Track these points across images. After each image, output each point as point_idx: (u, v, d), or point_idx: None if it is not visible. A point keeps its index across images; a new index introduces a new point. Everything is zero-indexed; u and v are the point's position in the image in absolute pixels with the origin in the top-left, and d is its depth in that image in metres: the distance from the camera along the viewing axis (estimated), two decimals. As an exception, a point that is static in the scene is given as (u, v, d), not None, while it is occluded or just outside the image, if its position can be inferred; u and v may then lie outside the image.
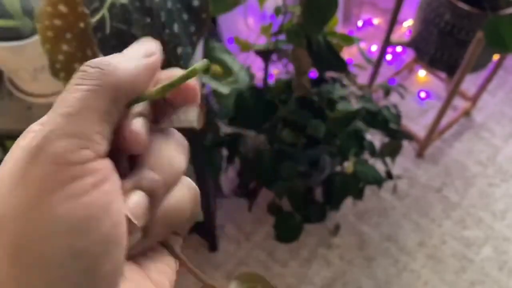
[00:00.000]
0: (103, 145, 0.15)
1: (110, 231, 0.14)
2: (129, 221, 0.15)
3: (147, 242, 0.17)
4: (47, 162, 0.14)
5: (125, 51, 0.17)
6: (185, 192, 0.18)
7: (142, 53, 0.17)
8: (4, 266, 0.14)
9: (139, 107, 0.17)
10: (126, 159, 0.17)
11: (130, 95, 0.16)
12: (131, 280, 0.16)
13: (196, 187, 0.19)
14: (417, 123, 1.30)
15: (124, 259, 0.16)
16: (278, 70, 0.86)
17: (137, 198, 0.16)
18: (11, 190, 0.14)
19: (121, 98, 0.16)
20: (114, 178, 0.15)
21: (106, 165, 0.15)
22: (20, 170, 0.14)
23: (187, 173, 0.20)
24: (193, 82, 0.18)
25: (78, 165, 0.14)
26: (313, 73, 0.88)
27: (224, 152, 0.95)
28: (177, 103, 0.19)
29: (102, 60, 0.16)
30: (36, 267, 0.14)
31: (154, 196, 0.17)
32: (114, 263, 0.15)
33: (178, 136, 0.19)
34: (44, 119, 0.15)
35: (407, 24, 1.40)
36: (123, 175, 0.16)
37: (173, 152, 0.18)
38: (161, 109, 0.18)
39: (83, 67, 0.16)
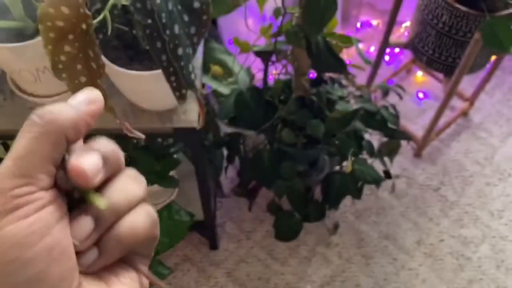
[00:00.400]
0: (45, 180, 0.18)
1: (54, 244, 0.18)
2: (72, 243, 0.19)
3: (103, 260, 0.20)
4: None
5: (70, 99, 0.20)
6: (141, 216, 0.21)
7: (84, 101, 0.20)
8: None
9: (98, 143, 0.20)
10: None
11: (72, 137, 0.19)
12: None
13: (156, 214, 0.22)
14: (415, 123, 1.31)
15: (76, 267, 0.19)
16: (277, 71, 0.86)
17: (81, 222, 0.19)
18: None
19: (61, 141, 0.19)
20: (58, 203, 0.19)
21: (49, 195, 0.18)
22: None
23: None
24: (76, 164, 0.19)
25: (22, 197, 0.18)
26: (312, 74, 0.88)
27: (224, 152, 0.96)
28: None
29: (45, 110, 0.19)
30: None
31: (100, 219, 0.20)
32: (61, 272, 0.18)
33: (131, 171, 0.22)
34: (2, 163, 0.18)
35: (405, 25, 1.41)
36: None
37: (123, 182, 0.21)
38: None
39: (31, 116, 0.19)
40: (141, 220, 0.21)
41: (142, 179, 0.22)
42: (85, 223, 0.19)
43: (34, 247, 0.17)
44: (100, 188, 0.20)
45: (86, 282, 0.19)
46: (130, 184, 0.21)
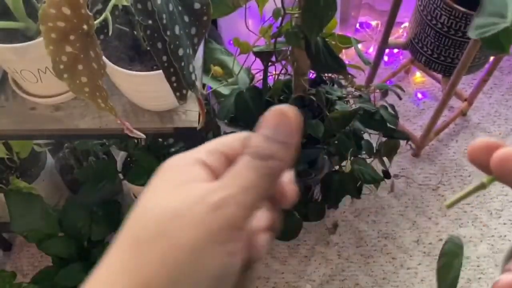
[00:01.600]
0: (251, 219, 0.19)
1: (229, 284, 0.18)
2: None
3: None
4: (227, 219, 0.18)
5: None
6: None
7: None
8: (164, 280, 0.17)
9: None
10: None
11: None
12: None
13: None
14: (414, 123, 1.32)
15: None
16: (277, 71, 0.87)
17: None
18: (202, 220, 0.18)
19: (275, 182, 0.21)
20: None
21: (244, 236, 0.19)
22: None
23: None
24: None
25: (241, 231, 0.18)
26: (312, 74, 0.89)
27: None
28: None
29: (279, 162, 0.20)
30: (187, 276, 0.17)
31: None
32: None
33: None
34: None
35: (404, 26, 1.41)
36: None
37: None
38: None
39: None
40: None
41: None
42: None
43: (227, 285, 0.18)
44: None
45: None
46: None
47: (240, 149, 0.20)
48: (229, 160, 0.20)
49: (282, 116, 0.20)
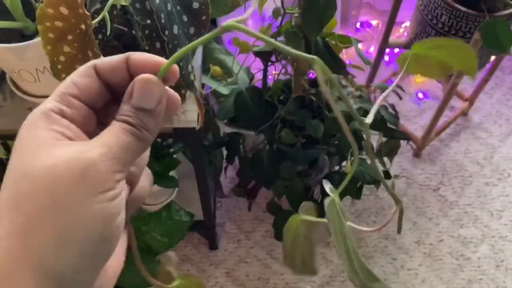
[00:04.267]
0: (127, 172, 0.22)
1: (120, 223, 0.21)
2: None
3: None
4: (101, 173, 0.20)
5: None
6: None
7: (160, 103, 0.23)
8: (50, 242, 0.19)
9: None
10: None
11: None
12: None
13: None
14: (414, 123, 1.31)
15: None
16: (277, 71, 0.87)
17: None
18: (73, 184, 0.20)
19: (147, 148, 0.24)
20: (125, 189, 0.22)
21: (123, 182, 0.22)
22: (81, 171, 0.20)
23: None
24: (178, 100, 0.24)
25: (117, 182, 0.21)
26: (312, 74, 0.89)
27: (224, 152, 0.96)
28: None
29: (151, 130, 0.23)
30: (73, 244, 0.19)
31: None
32: (116, 244, 0.22)
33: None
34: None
35: (405, 25, 1.41)
36: None
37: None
38: None
39: (138, 126, 0.22)
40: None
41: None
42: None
43: (112, 225, 0.20)
44: None
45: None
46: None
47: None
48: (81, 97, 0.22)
49: (146, 85, 0.22)
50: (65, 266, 0.19)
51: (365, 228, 0.27)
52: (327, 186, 0.26)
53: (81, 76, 0.22)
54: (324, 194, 0.95)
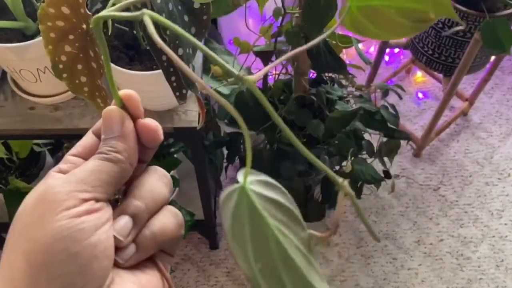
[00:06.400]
0: (101, 194, 0.22)
1: (98, 243, 0.21)
2: (117, 238, 0.22)
3: (139, 255, 0.23)
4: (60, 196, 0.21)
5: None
6: (169, 218, 0.24)
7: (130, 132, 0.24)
8: (22, 264, 0.20)
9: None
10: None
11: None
12: (122, 283, 0.22)
13: (181, 214, 0.25)
14: (414, 123, 1.31)
15: (111, 266, 0.22)
16: (277, 71, 0.87)
17: (123, 221, 0.23)
18: (34, 209, 0.21)
19: (128, 176, 0.24)
20: (106, 210, 0.22)
21: (101, 204, 0.22)
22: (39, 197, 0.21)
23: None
24: (154, 124, 0.24)
25: (85, 202, 0.21)
26: (312, 74, 0.89)
27: (224, 151, 0.96)
28: (150, 145, 0.25)
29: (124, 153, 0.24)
30: (42, 266, 0.20)
31: (137, 218, 0.23)
32: (99, 269, 0.21)
33: (160, 171, 0.25)
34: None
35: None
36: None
37: (154, 183, 0.24)
38: (142, 153, 0.25)
39: (115, 150, 0.23)
40: (169, 219, 0.24)
41: (168, 179, 0.25)
42: (126, 222, 0.23)
43: (81, 242, 0.20)
44: (131, 184, 0.24)
45: (119, 277, 0.22)
46: (161, 184, 0.24)
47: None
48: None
49: (105, 116, 0.24)
50: None
51: (317, 233, 0.20)
52: (240, 173, 0.18)
53: (82, 140, 0.25)
54: (324, 194, 0.96)
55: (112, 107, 0.24)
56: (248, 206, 0.18)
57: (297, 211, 0.19)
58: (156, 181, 0.24)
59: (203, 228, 1.03)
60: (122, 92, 0.24)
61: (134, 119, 0.24)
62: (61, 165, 0.24)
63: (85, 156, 0.24)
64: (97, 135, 0.25)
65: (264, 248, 0.17)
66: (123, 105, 0.24)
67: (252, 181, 0.18)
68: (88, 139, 0.25)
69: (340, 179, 0.19)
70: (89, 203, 0.21)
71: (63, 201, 0.20)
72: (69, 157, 0.24)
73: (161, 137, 0.24)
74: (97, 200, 0.22)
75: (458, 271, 1.09)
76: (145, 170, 0.25)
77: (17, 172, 0.91)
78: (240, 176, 0.19)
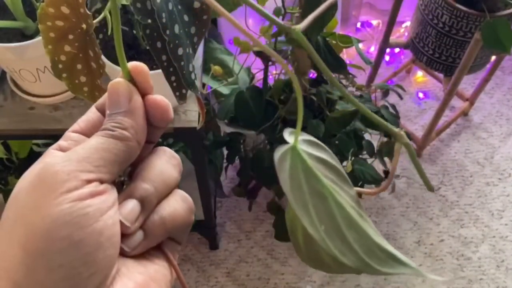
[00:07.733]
0: (105, 174, 0.20)
1: (103, 230, 0.18)
2: (124, 224, 0.20)
3: (147, 243, 0.21)
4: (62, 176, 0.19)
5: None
6: (179, 202, 0.22)
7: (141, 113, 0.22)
8: (17, 252, 0.18)
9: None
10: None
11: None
12: (129, 273, 0.20)
13: (190, 199, 0.23)
14: (415, 123, 1.31)
15: (117, 255, 0.19)
16: (277, 71, 0.87)
17: (130, 205, 0.20)
18: (31, 190, 0.19)
19: (135, 155, 0.22)
20: (111, 192, 0.20)
21: (105, 186, 0.20)
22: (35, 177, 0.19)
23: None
24: (164, 101, 0.23)
25: (90, 183, 0.19)
26: (313, 74, 0.88)
27: (224, 151, 0.96)
28: (158, 124, 0.23)
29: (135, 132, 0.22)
30: (41, 254, 0.17)
31: (146, 202, 0.21)
32: (104, 257, 0.18)
33: (169, 152, 0.23)
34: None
35: (405, 25, 1.41)
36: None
37: (164, 165, 0.22)
38: (150, 132, 0.23)
39: (125, 128, 0.21)
40: (179, 204, 0.22)
41: (178, 160, 0.23)
42: (134, 206, 0.20)
43: (85, 229, 0.18)
44: (137, 166, 0.22)
45: (125, 267, 0.20)
46: (170, 166, 0.22)
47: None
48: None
49: (111, 89, 0.22)
50: (37, 285, 0.17)
51: (365, 190, 0.20)
52: (287, 133, 0.18)
53: (85, 115, 0.23)
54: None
55: (119, 80, 0.22)
56: (302, 167, 0.17)
57: (343, 169, 0.19)
58: (166, 163, 0.22)
59: (203, 228, 1.03)
60: (131, 64, 0.22)
61: (143, 94, 0.22)
62: (61, 142, 0.21)
63: (88, 133, 0.22)
64: (101, 110, 0.23)
65: (325, 208, 0.17)
66: (131, 79, 0.22)
67: (300, 141, 0.18)
68: (91, 114, 0.23)
69: (396, 129, 0.18)
70: (93, 185, 0.19)
71: (64, 182, 0.18)
72: (70, 134, 0.22)
73: (171, 116, 0.22)
74: (101, 182, 0.19)
75: (459, 271, 1.09)
76: (153, 151, 0.23)
77: (17, 172, 0.91)
78: (287, 136, 0.18)
